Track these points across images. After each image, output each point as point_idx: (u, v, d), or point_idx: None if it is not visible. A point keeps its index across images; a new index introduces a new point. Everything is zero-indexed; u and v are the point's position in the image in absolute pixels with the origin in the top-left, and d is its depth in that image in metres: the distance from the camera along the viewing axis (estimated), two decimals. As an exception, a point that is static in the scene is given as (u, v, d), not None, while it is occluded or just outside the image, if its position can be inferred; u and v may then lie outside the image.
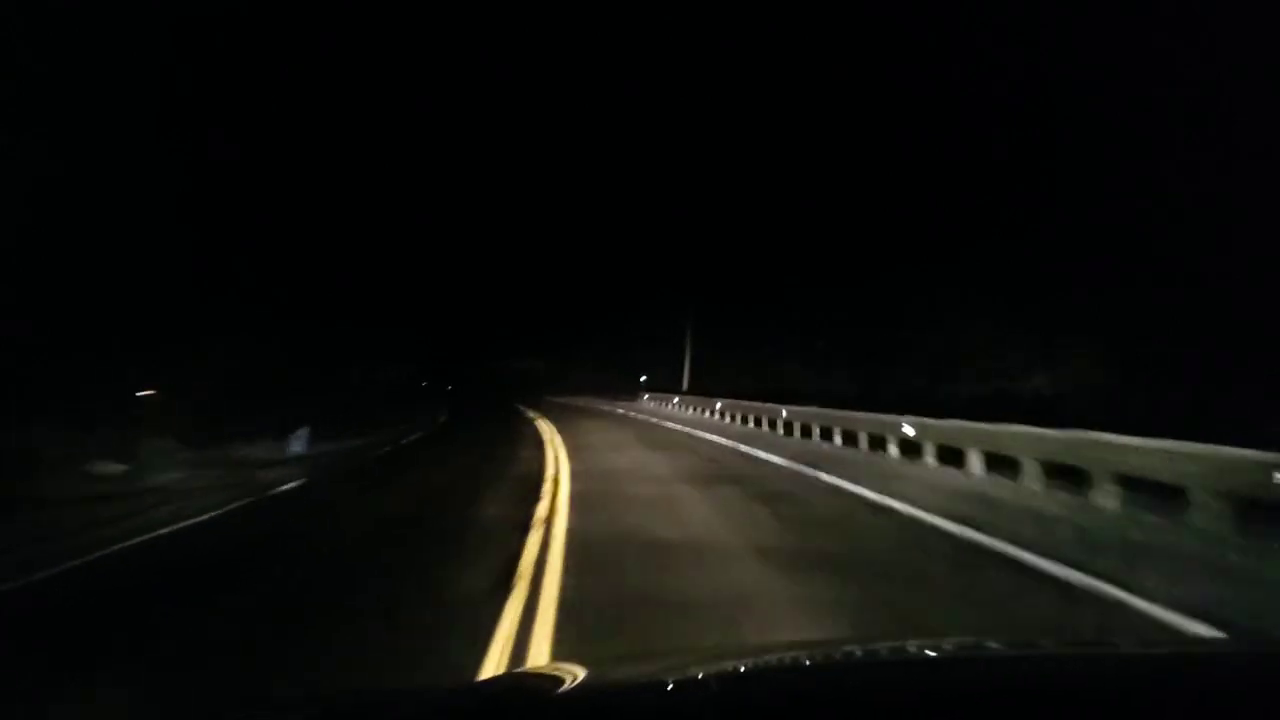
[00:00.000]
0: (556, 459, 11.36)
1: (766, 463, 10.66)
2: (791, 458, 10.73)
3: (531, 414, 26.32)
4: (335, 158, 35.60)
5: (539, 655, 3.30)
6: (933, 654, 1.46)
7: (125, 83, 14.44)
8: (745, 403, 17.45)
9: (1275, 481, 4.38)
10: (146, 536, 6.69)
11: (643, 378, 37.64)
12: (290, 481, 10.18)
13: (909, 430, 9.26)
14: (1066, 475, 6.40)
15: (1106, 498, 5.74)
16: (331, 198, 35.25)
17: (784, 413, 14.27)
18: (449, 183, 75.69)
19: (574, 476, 9.33)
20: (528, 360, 76.06)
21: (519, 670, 2.96)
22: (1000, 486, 7.07)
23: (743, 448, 12.70)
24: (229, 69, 17.42)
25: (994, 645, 1.69)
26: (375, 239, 46.03)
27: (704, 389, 27.13)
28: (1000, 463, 7.33)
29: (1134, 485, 5.66)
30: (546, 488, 8.27)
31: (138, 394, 14.50)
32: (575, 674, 1.24)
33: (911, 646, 1.65)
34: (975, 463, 7.70)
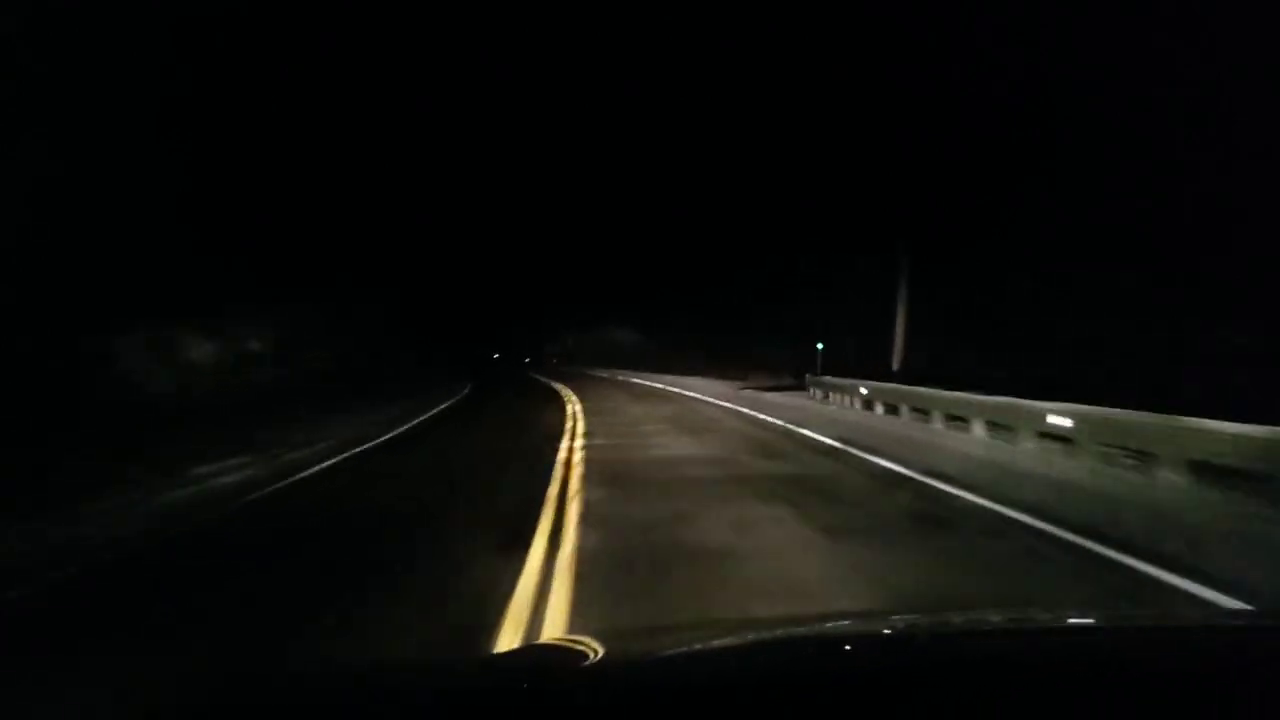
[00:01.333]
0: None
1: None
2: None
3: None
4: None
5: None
6: (957, 627, 1.45)
7: (124, 83, 14.39)
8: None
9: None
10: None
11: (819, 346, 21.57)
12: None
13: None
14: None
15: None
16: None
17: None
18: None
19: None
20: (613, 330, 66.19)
21: (537, 643, 2.94)
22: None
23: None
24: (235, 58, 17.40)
25: (1035, 616, 1.70)
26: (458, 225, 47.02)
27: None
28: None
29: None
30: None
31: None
32: (595, 649, 1.23)
33: (931, 620, 1.64)
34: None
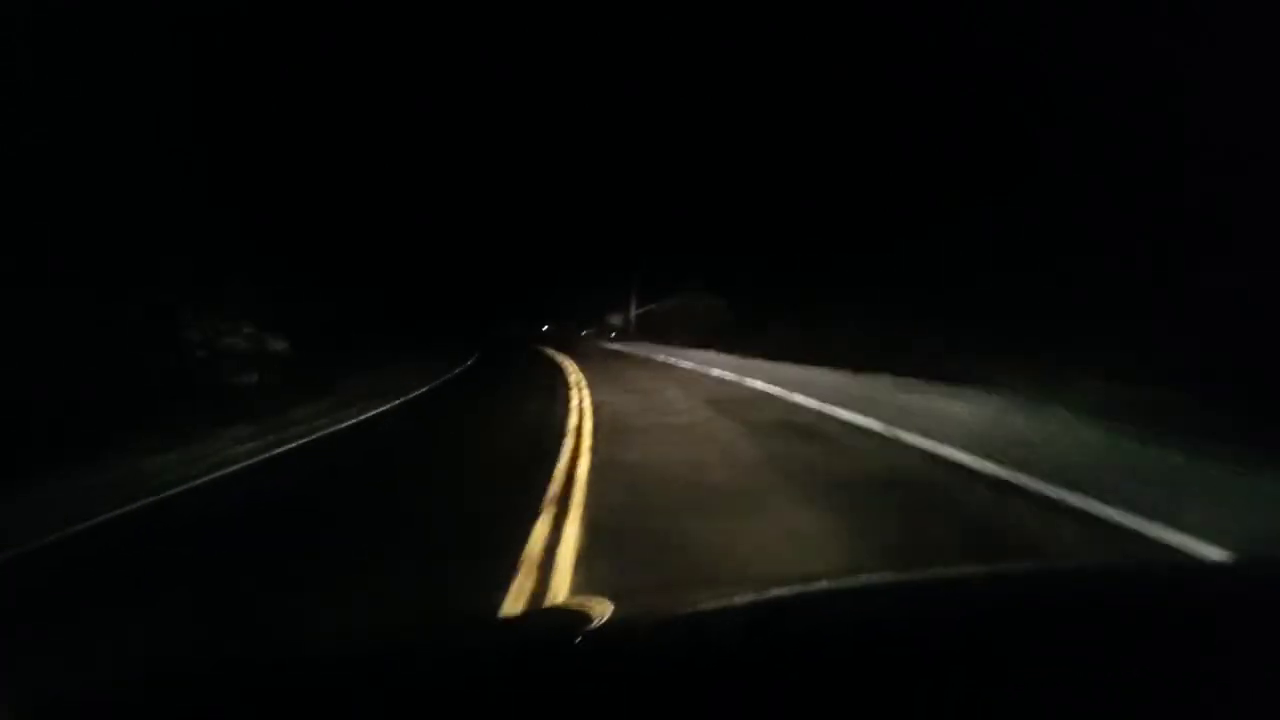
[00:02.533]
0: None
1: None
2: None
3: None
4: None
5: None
6: (954, 579, 1.47)
7: (123, 82, 14.47)
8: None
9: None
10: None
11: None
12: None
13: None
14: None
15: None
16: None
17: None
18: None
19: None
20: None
21: (546, 607, 3.00)
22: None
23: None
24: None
25: (1019, 566, 1.80)
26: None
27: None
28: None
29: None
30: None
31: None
32: (603, 609, 1.22)
33: (930, 573, 1.68)
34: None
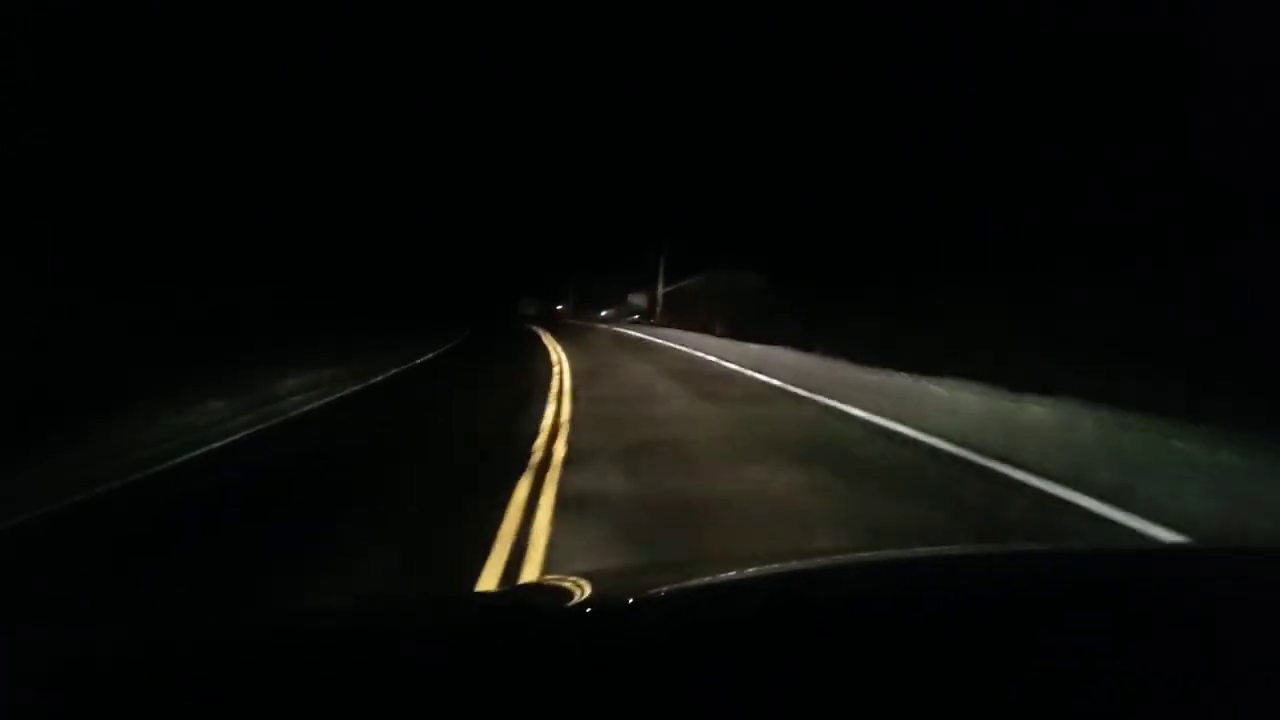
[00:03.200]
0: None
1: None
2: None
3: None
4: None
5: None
6: (947, 558, 1.46)
7: (123, 82, 14.50)
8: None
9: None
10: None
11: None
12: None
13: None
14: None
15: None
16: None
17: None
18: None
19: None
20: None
21: (525, 583, 3.03)
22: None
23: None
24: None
25: (999, 548, 1.82)
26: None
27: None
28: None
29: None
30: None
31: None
32: (582, 587, 1.20)
33: (906, 552, 1.72)
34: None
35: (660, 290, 43.03)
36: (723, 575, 1.32)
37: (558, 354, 17.78)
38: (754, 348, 19.11)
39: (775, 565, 1.41)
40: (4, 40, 12.27)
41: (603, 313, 59.59)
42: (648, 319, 45.34)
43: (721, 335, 25.27)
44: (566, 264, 68.54)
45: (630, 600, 1.13)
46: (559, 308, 72.49)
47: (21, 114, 12.52)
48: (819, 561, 1.53)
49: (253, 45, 17.76)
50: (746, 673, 0.81)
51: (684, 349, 19.22)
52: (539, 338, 27.09)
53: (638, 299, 54.11)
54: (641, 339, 25.57)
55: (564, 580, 1.25)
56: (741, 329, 24.52)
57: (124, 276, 14.19)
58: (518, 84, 75.74)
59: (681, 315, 36.63)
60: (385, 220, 33.93)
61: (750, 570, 1.35)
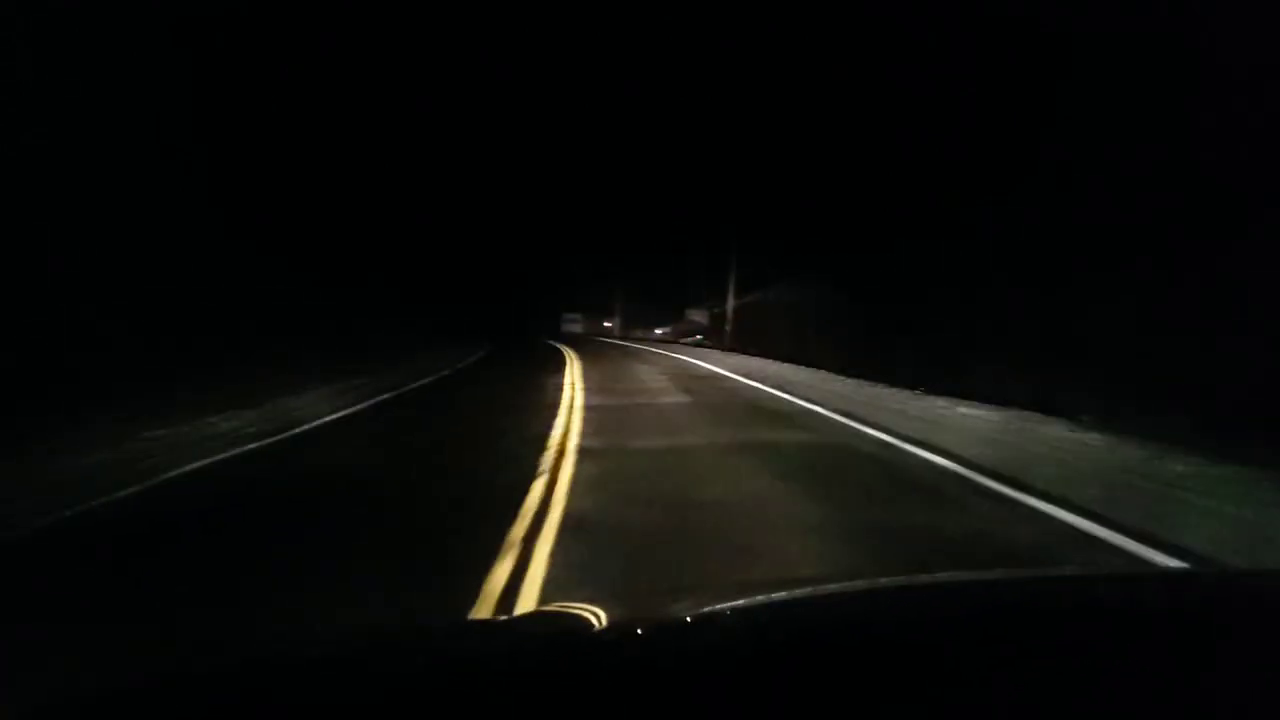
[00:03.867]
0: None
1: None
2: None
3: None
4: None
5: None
6: (951, 584, 1.48)
7: (123, 82, 14.48)
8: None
9: None
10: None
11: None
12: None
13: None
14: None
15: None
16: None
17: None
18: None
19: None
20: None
21: (538, 610, 2.93)
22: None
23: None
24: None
25: (999, 575, 1.83)
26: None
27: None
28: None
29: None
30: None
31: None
32: (598, 616, 1.20)
33: (928, 579, 1.67)
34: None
35: (730, 304, 34.86)
36: (735, 604, 1.31)
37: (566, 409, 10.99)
38: (919, 404, 12.02)
39: (787, 593, 1.40)
40: (4, 40, 12.28)
41: (657, 330, 53.05)
42: (713, 338, 37.94)
43: (828, 369, 19.32)
44: (612, 276, 63.83)
45: (647, 630, 1.13)
46: (606, 324, 66.40)
47: (21, 114, 12.52)
48: (832, 588, 1.54)
49: (253, 45, 17.76)
50: (759, 702, 0.81)
51: (825, 412, 11.16)
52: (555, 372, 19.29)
53: (698, 315, 46.97)
54: (743, 383, 16.27)
55: (577, 609, 1.25)
56: (843, 358, 19.00)
57: (124, 277, 14.20)
58: (552, 90, 74.44)
59: (753, 335, 30.10)
60: (416, 232, 34.12)
61: (762, 598, 1.35)
